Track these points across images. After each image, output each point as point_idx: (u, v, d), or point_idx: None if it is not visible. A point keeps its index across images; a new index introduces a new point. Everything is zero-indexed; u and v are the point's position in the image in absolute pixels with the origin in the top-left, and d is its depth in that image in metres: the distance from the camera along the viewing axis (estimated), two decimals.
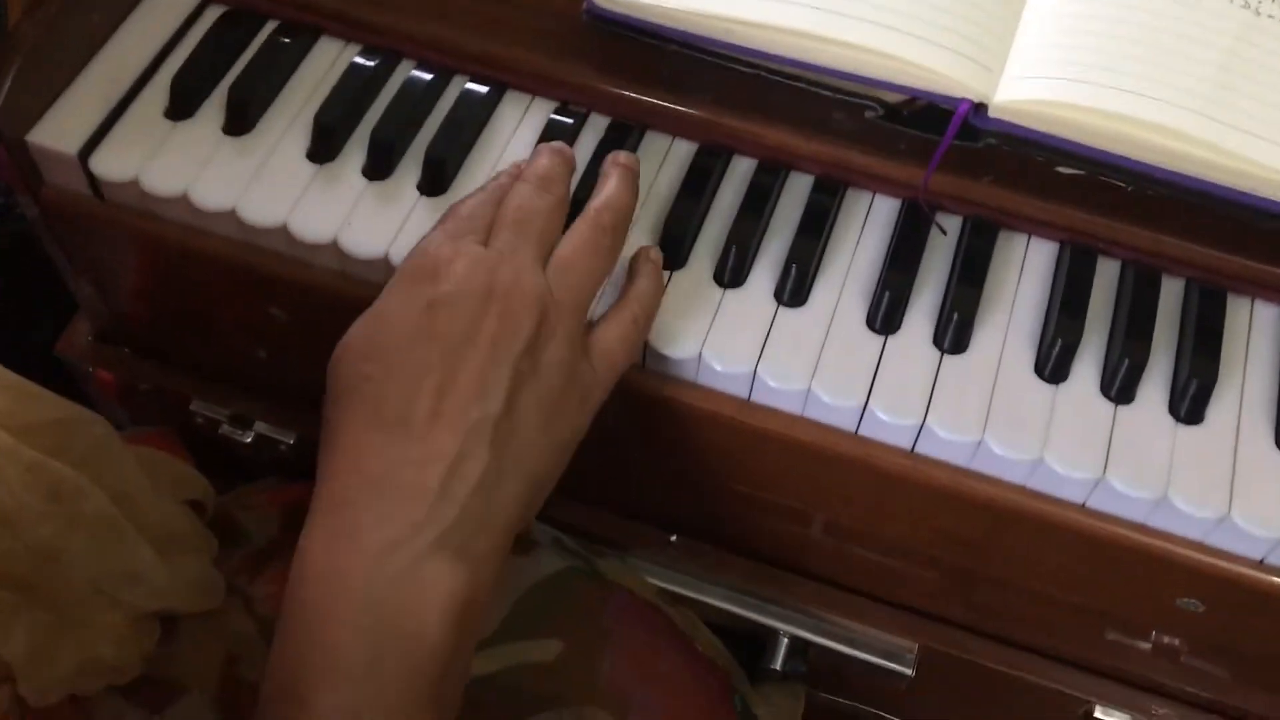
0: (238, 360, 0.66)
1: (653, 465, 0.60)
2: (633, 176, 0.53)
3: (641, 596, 0.63)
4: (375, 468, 0.44)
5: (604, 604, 0.61)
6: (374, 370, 0.45)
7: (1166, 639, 0.59)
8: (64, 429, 0.53)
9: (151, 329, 0.67)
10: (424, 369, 0.44)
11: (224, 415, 0.67)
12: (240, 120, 0.57)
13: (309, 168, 0.56)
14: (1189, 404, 0.52)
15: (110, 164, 0.56)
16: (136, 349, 0.69)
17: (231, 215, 0.55)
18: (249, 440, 0.67)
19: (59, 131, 0.56)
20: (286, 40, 0.60)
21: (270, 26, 0.60)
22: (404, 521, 0.43)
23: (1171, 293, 0.55)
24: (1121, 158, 0.51)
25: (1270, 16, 0.52)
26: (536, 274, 0.47)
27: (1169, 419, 0.52)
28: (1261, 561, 0.51)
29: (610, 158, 0.54)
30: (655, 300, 0.52)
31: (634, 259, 0.53)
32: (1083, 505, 0.52)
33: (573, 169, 0.53)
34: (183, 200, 0.55)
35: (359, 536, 0.43)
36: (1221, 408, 0.52)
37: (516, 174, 0.52)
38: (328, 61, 0.60)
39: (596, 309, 0.51)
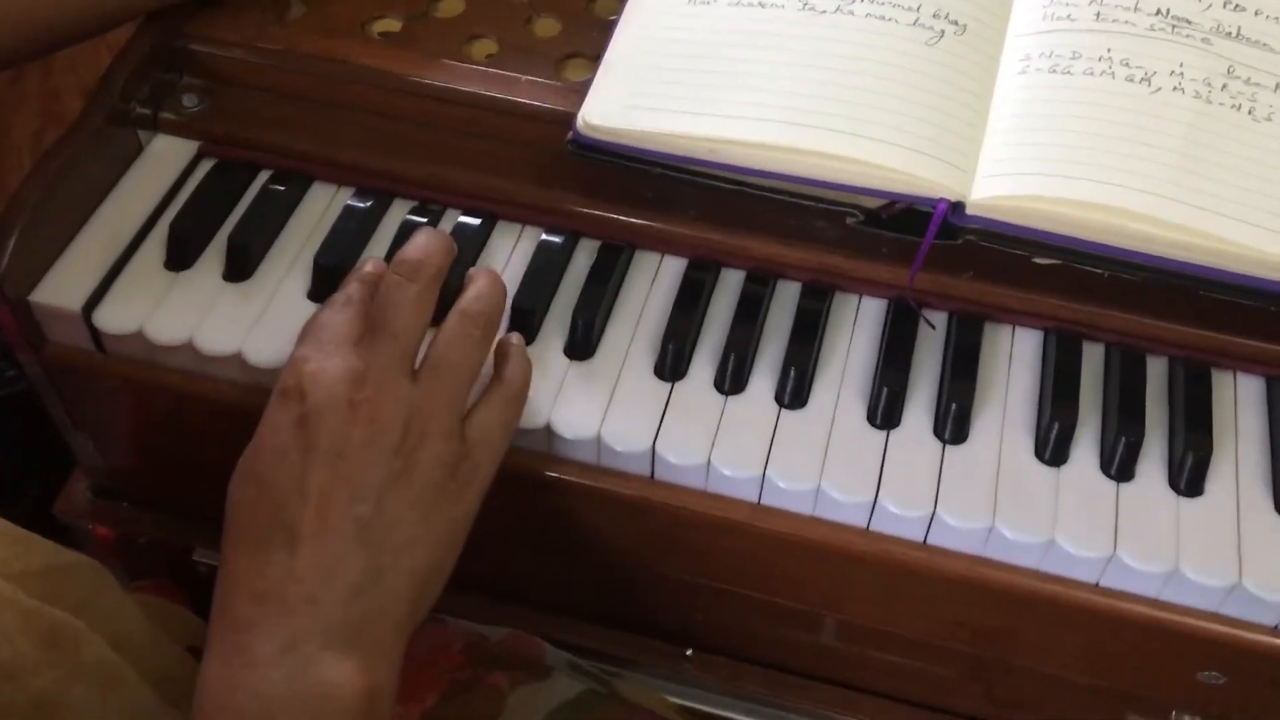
0: None
1: (667, 578, 0.60)
2: (498, 276, 0.54)
3: (663, 716, 0.62)
4: (259, 586, 0.45)
5: None
6: (249, 493, 0.47)
7: (1188, 717, 0.59)
8: (60, 575, 0.53)
9: (150, 480, 0.67)
10: (296, 484, 0.46)
11: None
12: (240, 267, 0.58)
13: (311, 308, 0.57)
14: (1188, 477, 0.53)
15: (113, 318, 0.57)
16: (135, 503, 0.68)
17: (236, 358, 0.56)
18: None
19: (62, 290, 0.57)
20: (280, 188, 0.61)
21: (263, 176, 0.62)
22: (290, 629, 0.45)
23: (1157, 371, 0.57)
24: (1094, 244, 0.53)
25: (1221, 104, 0.55)
26: (401, 376, 0.48)
27: (1170, 493, 0.53)
28: (1276, 628, 0.52)
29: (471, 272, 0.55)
30: (525, 376, 0.53)
31: (499, 346, 0.54)
32: (1097, 584, 0.53)
33: (451, 256, 0.54)
34: (187, 347, 0.56)
35: (250, 652, 0.44)
36: (1220, 479, 0.54)
37: (364, 276, 0.52)
38: (322, 205, 0.61)
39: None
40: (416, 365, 0.50)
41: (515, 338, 0.55)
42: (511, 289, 0.57)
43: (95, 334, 0.57)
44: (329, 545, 0.45)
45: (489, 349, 0.52)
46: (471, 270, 0.55)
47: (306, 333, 0.50)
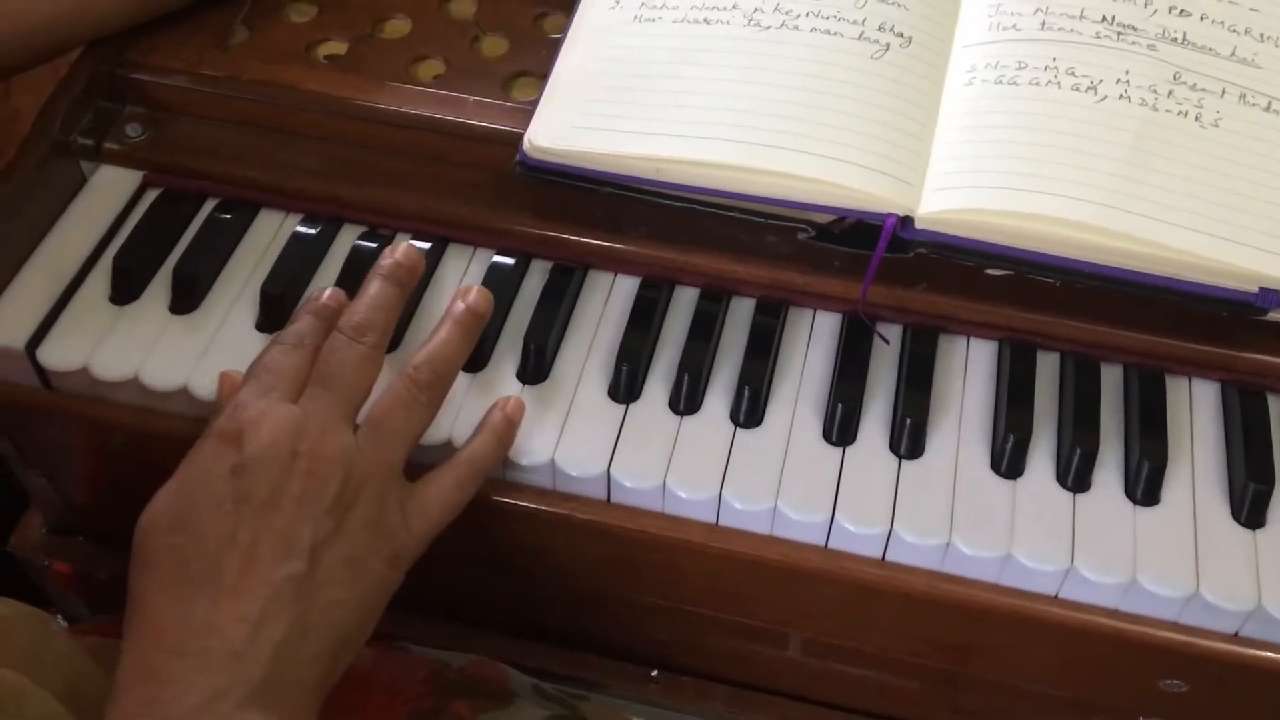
0: None
1: (629, 600, 0.60)
2: (469, 325, 0.53)
3: None
4: (179, 636, 0.44)
5: None
6: (179, 540, 0.45)
7: None
8: None
9: (107, 515, 0.66)
10: (228, 535, 0.45)
11: None
12: (186, 298, 0.58)
13: (260, 339, 0.57)
14: (1144, 486, 0.53)
15: (58, 355, 0.56)
16: (92, 537, 0.68)
17: (184, 393, 0.55)
18: None
19: (5, 328, 0.56)
20: (227, 216, 0.61)
21: (209, 205, 0.61)
22: (210, 686, 0.43)
23: (1112, 379, 0.57)
24: (1044, 255, 0.53)
25: (1168, 111, 0.55)
26: (342, 432, 0.48)
27: (1127, 503, 0.53)
28: (1236, 635, 0.52)
29: (456, 295, 0.53)
30: (489, 461, 0.52)
31: (489, 411, 0.53)
32: (1055, 596, 0.52)
33: (409, 287, 0.53)
34: (133, 383, 0.55)
35: (165, 705, 0.43)
36: (1176, 486, 0.54)
37: (317, 310, 0.51)
38: (270, 233, 0.61)
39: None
40: (359, 421, 0.49)
41: (511, 406, 0.53)
42: None
43: (41, 371, 0.57)
44: (255, 600, 0.44)
45: (434, 413, 0.52)
46: (448, 308, 0.53)
47: (251, 373, 0.49)
